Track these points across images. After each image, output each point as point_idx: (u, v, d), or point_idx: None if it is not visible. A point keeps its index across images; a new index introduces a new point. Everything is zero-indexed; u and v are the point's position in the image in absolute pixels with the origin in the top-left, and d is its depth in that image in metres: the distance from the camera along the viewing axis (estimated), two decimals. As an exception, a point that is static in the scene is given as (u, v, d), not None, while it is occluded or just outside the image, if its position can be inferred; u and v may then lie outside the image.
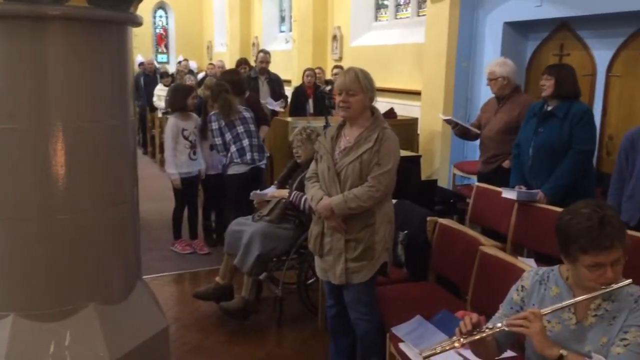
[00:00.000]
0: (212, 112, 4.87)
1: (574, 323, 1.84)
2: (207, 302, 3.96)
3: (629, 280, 1.74)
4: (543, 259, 3.54)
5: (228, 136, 4.80)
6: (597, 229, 1.69)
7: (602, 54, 4.90)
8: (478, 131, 4.40)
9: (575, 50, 5.15)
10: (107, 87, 2.23)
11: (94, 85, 2.17)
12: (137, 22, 2.35)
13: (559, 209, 3.45)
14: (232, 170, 4.85)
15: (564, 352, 1.74)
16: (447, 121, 4.75)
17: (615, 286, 1.73)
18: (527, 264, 2.71)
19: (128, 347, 2.27)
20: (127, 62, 2.34)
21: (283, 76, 7.82)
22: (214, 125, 4.82)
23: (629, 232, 2.98)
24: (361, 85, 2.68)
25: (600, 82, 4.92)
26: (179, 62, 11.58)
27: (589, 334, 1.81)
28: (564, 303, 1.79)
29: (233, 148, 4.80)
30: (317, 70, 7.89)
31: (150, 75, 10.33)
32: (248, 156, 4.80)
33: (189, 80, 8.44)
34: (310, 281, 4.02)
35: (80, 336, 2.19)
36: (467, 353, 2.44)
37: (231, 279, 3.93)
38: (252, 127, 4.93)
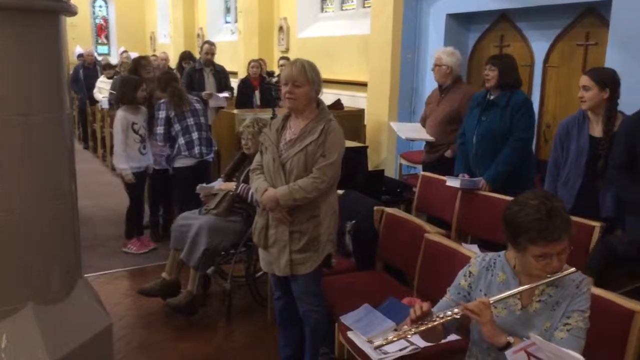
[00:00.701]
0: (162, 101, 4.76)
1: (519, 309, 1.89)
2: (154, 299, 3.88)
3: (573, 269, 1.80)
4: (486, 245, 3.65)
5: (177, 127, 4.71)
6: (545, 221, 1.72)
7: (539, 45, 5.07)
8: (432, 139, 4.48)
9: (514, 41, 5.31)
10: (39, 79, 2.12)
11: (25, 77, 2.07)
12: (71, 12, 2.26)
13: (501, 196, 3.58)
14: (180, 162, 4.77)
15: (510, 339, 1.79)
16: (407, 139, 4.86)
17: (559, 275, 1.78)
18: (471, 250, 2.78)
19: (68, 347, 2.19)
20: (61, 53, 2.24)
21: (229, 68, 7.72)
22: (161, 114, 4.72)
23: (565, 216, 3.11)
24: (307, 76, 2.67)
25: (538, 72, 5.09)
26: (121, 54, 11.23)
27: (534, 319, 1.86)
28: (511, 292, 1.83)
29: (182, 140, 4.71)
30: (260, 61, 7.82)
31: (90, 67, 9.97)
32: (196, 150, 4.74)
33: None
34: (259, 274, 4.00)
35: (18, 338, 2.10)
36: (415, 337, 2.49)
37: (178, 274, 3.86)
38: (202, 120, 4.86)
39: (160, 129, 4.73)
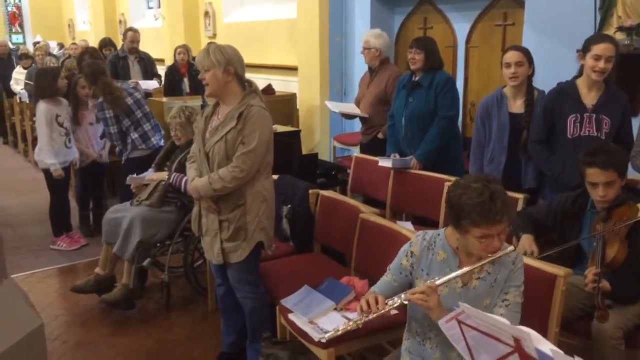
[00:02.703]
0: (100, 100, 4.55)
1: (460, 286, 1.95)
2: (89, 296, 3.77)
3: (511, 247, 1.88)
4: (419, 222, 3.78)
5: (127, 122, 4.53)
6: (488, 204, 1.77)
7: (461, 27, 5.23)
8: (366, 115, 4.54)
9: (437, 23, 5.45)
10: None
11: None
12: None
13: (432, 174, 3.70)
14: (135, 154, 4.60)
15: None
16: (340, 113, 4.86)
17: (500, 253, 1.86)
18: (405, 227, 2.87)
19: (-2, 351, 2.10)
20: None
21: (154, 55, 7.50)
22: (108, 114, 4.50)
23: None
24: (211, 59, 2.60)
25: (461, 52, 5.26)
26: (35, 44, 10.65)
27: (474, 296, 1.93)
28: (456, 273, 1.88)
29: (135, 134, 4.55)
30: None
31: (5, 58, 9.41)
32: (153, 140, 4.63)
33: (51, 63, 7.83)
34: (198, 263, 3.97)
35: (-59, 346, 1.99)
36: (354, 314, 2.56)
37: (112, 269, 3.76)
38: (147, 108, 4.72)
39: (113, 129, 4.53)
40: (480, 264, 1.87)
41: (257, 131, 2.62)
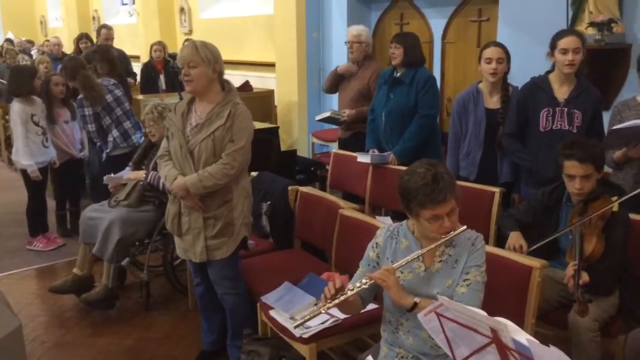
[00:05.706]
0: (81, 96, 4.48)
1: (423, 270, 2.03)
2: (67, 296, 3.73)
3: (464, 227, 1.95)
4: (398, 216, 3.80)
5: (107, 120, 4.48)
6: (431, 185, 1.87)
7: (437, 23, 5.28)
8: (345, 117, 4.52)
9: (413, 19, 5.49)
10: None
11: None
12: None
13: (408, 169, 3.72)
14: (116, 152, 4.55)
15: (417, 299, 1.93)
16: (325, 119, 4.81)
17: (453, 234, 1.93)
18: (384, 222, 2.89)
19: (-24, 354, 2.07)
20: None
21: (129, 52, 7.42)
22: (87, 111, 4.43)
23: (469, 184, 3.31)
24: (201, 55, 2.60)
25: (437, 48, 5.30)
26: (7, 41, 10.43)
27: (436, 279, 2.02)
28: (412, 255, 1.97)
29: (116, 132, 4.51)
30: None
31: (-26, 57, 9.21)
32: (134, 138, 4.58)
33: (23, 60, 7.69)
34: (178, 261, 3.95)
35: None
36: (335, 311, 2.58)
37: (90, 268, 3.72)
38: (128, 106, 4.67)
39: (92, 127, 4.47)
40: (435, 245, 1.95)
41: (245, 129, 2.68)
